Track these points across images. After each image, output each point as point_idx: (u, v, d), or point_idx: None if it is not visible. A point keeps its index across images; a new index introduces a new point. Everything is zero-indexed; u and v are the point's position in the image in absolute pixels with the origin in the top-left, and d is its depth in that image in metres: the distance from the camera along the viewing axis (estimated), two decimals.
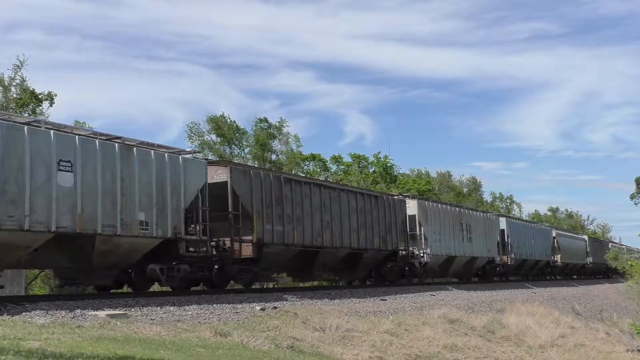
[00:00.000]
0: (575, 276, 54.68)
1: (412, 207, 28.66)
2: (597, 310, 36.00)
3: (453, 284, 31.81)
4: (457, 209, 33.24)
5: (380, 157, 51.47)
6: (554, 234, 48.00)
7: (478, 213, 35.93)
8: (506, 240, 38.02)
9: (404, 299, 22.56)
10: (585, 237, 58.34)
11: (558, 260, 47.75)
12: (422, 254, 28.54)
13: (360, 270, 25.65)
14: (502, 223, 38.27)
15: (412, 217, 28.51)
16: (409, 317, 18.41)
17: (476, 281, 36.02)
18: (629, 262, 49.68)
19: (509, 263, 37.87)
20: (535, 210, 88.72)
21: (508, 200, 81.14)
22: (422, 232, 28.77)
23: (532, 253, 41.95)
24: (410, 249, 28.27)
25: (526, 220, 48.31)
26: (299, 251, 21.24)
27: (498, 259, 36.62)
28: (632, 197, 60.18)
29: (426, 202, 30.38)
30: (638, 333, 28.17)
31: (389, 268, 26.97)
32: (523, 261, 40.70)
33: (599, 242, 63.87)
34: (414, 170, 61.79)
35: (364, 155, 51.75)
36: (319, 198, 22.12)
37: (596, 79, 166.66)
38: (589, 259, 56.14)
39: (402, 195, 30.59)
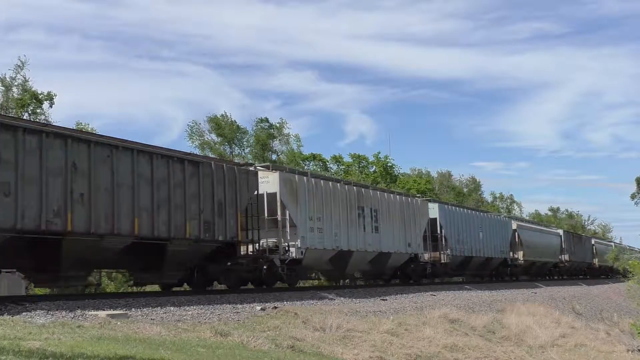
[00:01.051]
0: (548, 277, 48.63)
1: (271, 182, 20.73)
2: (597, 310, 35.99)
3: (338, 289, 23.18)
4: (354, 188, 24.52)
5: (380, 157, 51.46)
6: (514, 226, 40.07)
7: (391, 196, 27.36)
8: (439, 232, 30.46)
9: (404, 298, 22.59)
10: (560, 232, 50.98)
11: (520, 258, 40.02)
12: (287, 248, 20.60)
13: (168, 270, 17.24)
14: (433, 210, 30.40)
15: (272, 196, 20.65)
16: (410, 317, 18.41)
17: (394, 284, 28.80)
18: (630, 262, 49.64)
19: (444, 261, 30.47)
20: (536, 210, 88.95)
21: (508, 200, 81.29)
22: (288, 217, 20.74)
23: (480, 249, 34.11)
24: (270, 241, 20.31)
25: (472, 209, 38.90)
26: (9, 238, 13.26)
27: (426, 255, 29.23)
28: (632, 196, 60.21)
29: (296, 176, 21.80)
30: (639, 333, 28.20)
31: (226, 268, 19.05)
32: (467, 259, 33.12)
33: (579, 238, 56.52)
34: (415, 170, 61.91)
35: (364, 155, 51.77)
36: (62, 157, 14.07)
37: (597, 79, 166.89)
38: (564, 257, 48.78)
39: (255, 165, 21.49)
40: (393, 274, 28.80)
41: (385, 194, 27.12)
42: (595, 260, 58.53)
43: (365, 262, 25.46)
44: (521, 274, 42.43)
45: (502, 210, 71.03)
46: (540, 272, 46.48)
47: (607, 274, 63.67)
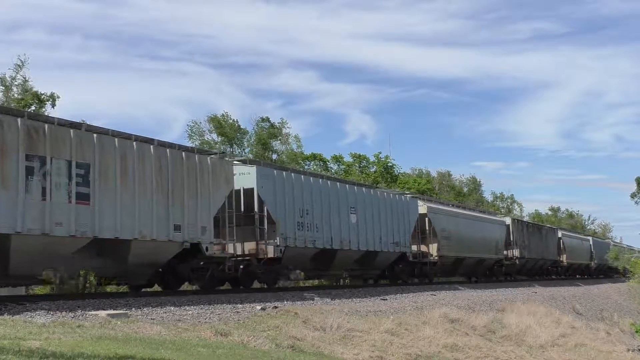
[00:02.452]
0: (494, 277, 37.82)
1: None
2: (597, 310, 35.99)
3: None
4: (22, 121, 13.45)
5: (380, 157, 51.49)
6: (422, 210, 28.98)
7: (131, 144, 16.00)
8: (258, 211, 20.03)
9: (405, 298, 22.57)
10: (507, 220, 39.57)
11: (432, 254, 29.20)
12: None
13: None
14: (246, 177, 19.99)
15: None
16: (410, 316, 18.41)
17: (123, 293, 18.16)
18: (632, 260, 49.50)
19: (271, 255, 20.18)
20: (536, 210, 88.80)
21: (509, 200, 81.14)
22: None
23: (351, 240, 23.48)
24: None
25: (337, 179, 27.06)
26: None
27: (216, 247, 18.57)
28: (632, 196, 60.10)
29: None
30: (638, 332, 28.24)
31: None
32: (324, 253, 22.73)
33: (537, 229, 44.91)
34: (415, 170, 61.84)
35: (365, 155, 51.74)
36: None
37: (598, 79, 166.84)
38: (513, 252, 38.34)
39: None
40: (154, 274, 17.73)
41: (117, 139, 15.64)
42: (563, 257, 48.61)
43: (70, 253, 14.66)
44: (439, 274, 31.69)
45: (502, 211, 70.66)
46: (474, 272, 35.99)
47: (582, 273, 55.97)
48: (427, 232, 29.23)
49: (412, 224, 27.87)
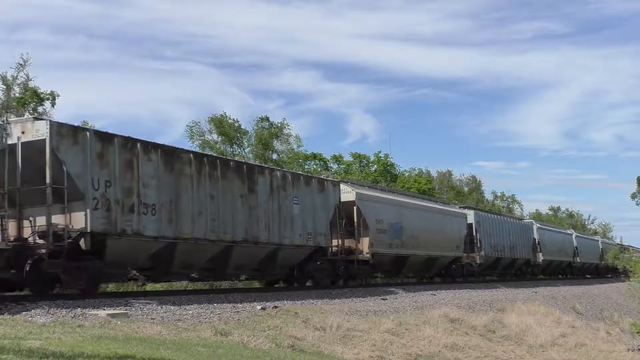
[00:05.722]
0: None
1: None
2: (597, 310, 35.97)
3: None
4: None
5: (380, 157, 51.43)
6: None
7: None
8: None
9: (405, 298, 22.58)
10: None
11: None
12: None
13: None
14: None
15: None
16: (410, 316, 18.41)
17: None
18: (633, 259, 49.45)
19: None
20: (536, 210, 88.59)
21: (509, 200, 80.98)
22: None
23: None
24: None
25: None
26: None
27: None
28: (632, 196, 60.02)
29: None
30: (638, 332, 28.22)
31: None
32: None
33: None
34: (414, 169, 61.71)
35: (365, 154, 51.67)
36: None
37: (600, 79, 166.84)
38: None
39: None
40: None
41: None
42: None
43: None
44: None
45: (502, 210, 70.46)
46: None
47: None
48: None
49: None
